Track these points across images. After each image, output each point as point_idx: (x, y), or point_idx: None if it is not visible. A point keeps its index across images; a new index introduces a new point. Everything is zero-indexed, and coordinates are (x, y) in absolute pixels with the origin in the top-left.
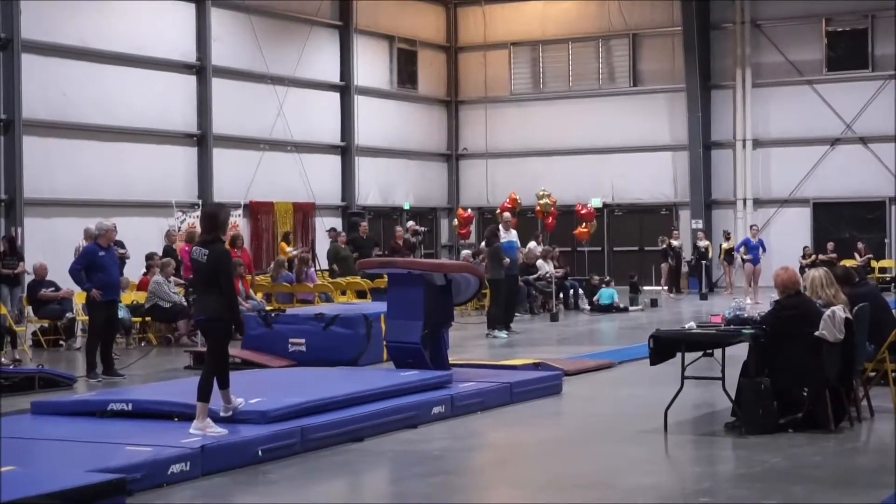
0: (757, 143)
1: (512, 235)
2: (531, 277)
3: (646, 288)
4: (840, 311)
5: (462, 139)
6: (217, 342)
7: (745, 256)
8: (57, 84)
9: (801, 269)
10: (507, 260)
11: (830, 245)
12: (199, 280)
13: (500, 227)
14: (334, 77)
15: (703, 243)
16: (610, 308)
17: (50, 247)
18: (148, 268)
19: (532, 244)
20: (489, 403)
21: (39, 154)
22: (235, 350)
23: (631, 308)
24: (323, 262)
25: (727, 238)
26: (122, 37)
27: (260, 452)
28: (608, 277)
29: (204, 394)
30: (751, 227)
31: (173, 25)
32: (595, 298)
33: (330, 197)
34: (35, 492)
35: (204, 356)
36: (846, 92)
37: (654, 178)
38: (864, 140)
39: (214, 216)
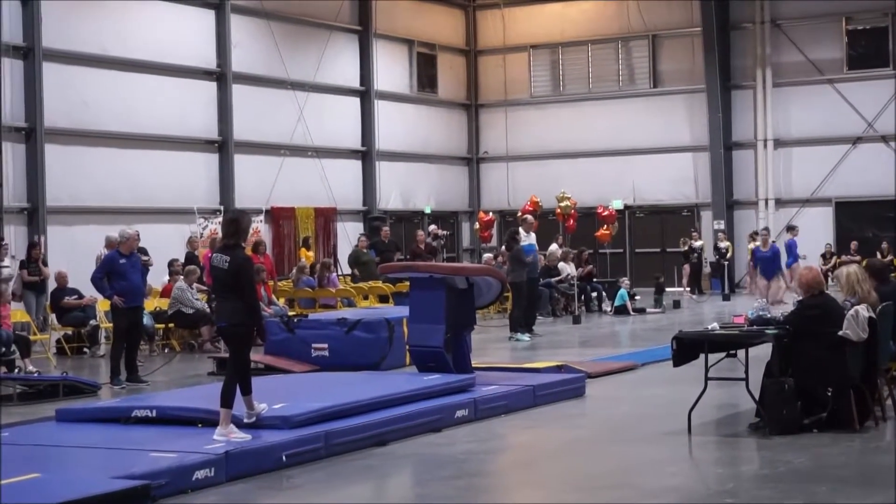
0: (778, 143)
1: (531, 238)
2: (553, 280)
3: (668, 289)
4: (863, 310)
5: (482, 142)
6: (239, 348)
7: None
8: (78, 92)
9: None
10: (529, 258)
11: (854, 244)
12: (221, 286)
13: (521, 229)
14: (354, 82)
15: (723, 244)
16: (624, 309)
17: (72, 254)
18: (171, 274)
19: (553, 246)
20: (512, 406)
21: (61, 162)
22: (258, 356)
23: (650, 310)
24: (345, 267)
25: (752, 238)
26: (143, 44)
27: (284, 458)
28: (622, 278)
29: (227, 400)
30: (757, 233)
31: (193, 32)
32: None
33: (351, 201)
34: (60, 499)
35: (227, 362)
36: (867, 90)
37: (675, 180)
38: (885, 138)
39: (237, 222)
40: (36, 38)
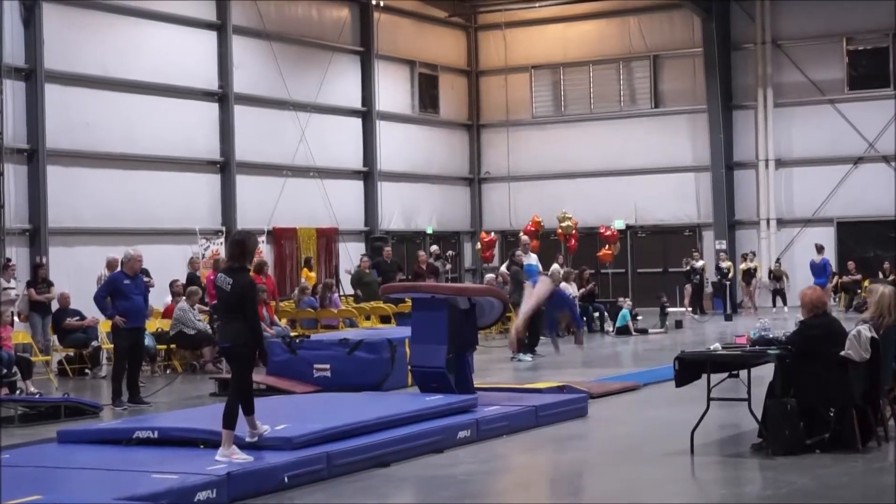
0: (779, 163)
1: (531, 258)
2: None
3: (670, 309)
4: (865, 330)
5: (484, 162)
6: (241, 369)
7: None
8: (80, 113)
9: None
10: (530, 283)
11: (851, 265)
12: (224, 307)
13: (519, 250)
14: (356, 102)
15: (725, 264)
16: (626, 329)
17: (74, 276)
18: (173, 295)
19: (555, 266)
20: (515, 427)
21: (63, 183)
22: (260, 376)
23: (652, 330)
24: (347, 287)
25: (745, 259)
26: (144, 65)
27: (286, 479)
28: (622, 299)
29: (229, 421)
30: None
31: (195, 53)
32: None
33: (353, 222)
34: None
35: (229, 383)
36: (868, 110)
37: (677, 199)
38: (886, 159)
39: (242, 244)
40: (38, 59)
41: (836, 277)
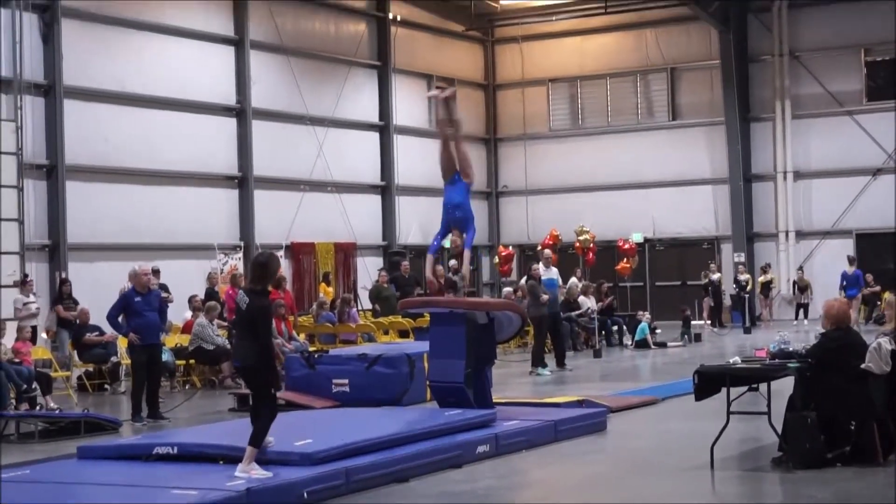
0: (798, 175)
1: (552, 273)
2: (573, 314)
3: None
4: (886, 343)
5: (502, 176)
6: (262, 389)
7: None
8: (98, 129)
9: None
10: (546, 297)
11: (870, 277)
12: (239, 324)
13: (541, 263)
14: (373, 117)
15: (743, 277)
16: (644, 343)
17: (94, 291)
18: (193, 310)
19: (573, 280)
20: (534, 442)
21: (82, 199)
22: (279, 392)
23: (671, 343)
24: (365, 302)
25: (763, 271)
26: (162, 81)
27: (305, 495)
28: (640, 312)
29: (256, 440)
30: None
31: (213, 68)
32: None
33: (371, 237)
34: None
35: (249, 399)
36: (887, 121)
37: (695, 212)
38: None
39: (265, 266)
40: (57, 75)
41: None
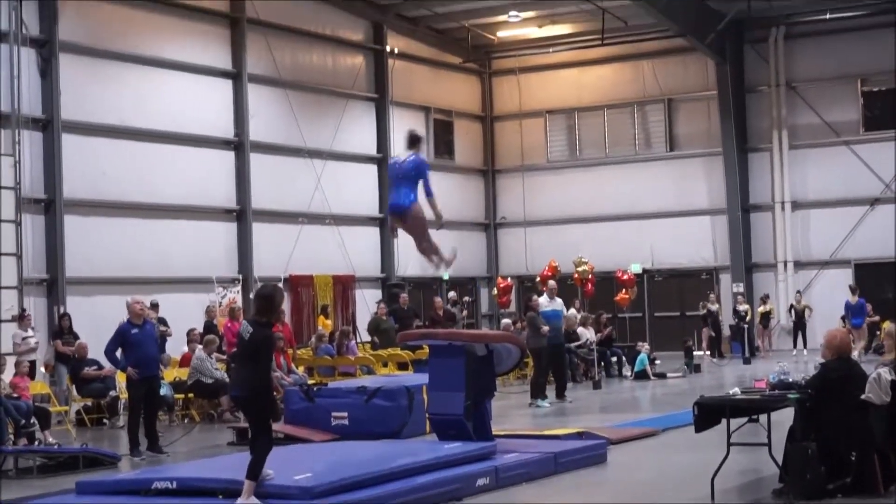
0: (796, 205)
1: (556, 304)
2: (572, 345)
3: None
4: (886, 373)
5: (500, 208)
6: (259, 420)
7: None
8: (97, 163)
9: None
10: (546, 328)
11: (869, 307)
12: (240, 355)
13: (545, 295)
14: (371, 149)
15: (742, 307)
16: (644, 374)
17: (93, 325)
18: (189, 343)
19: (572, 311)
20: (534, 474)
21: (80, 233)
22: (278, 425)
23: (671, 374)
24: (364, 335)
25: (763, 302)
26: (161, 114)
27: None
28: (640, 343)
29: (254, 473)
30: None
31: (211, 102)
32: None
33: (369, 269)
34: None
35: (248, 432)
36: (884, 151)
37: (694, 243)
38: None
39: (270, 299)
40: (55, 110)
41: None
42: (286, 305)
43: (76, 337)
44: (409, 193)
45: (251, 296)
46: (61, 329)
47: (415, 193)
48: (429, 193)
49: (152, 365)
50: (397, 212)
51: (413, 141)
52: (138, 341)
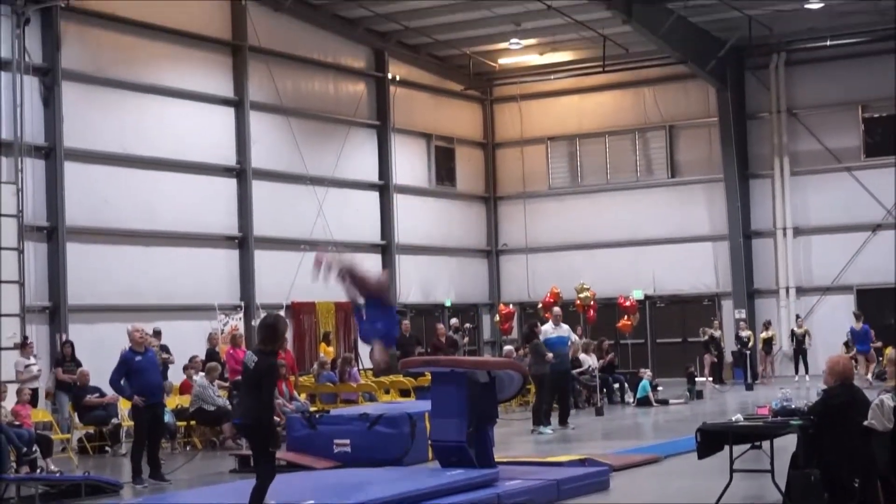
0: (797, 231)
1: (562, 330)
2: (574, 372)
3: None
4: (888, 399)
5: (502, 234)
6: (262, 449)
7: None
8: (99, 190)
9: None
10: (550, 355)
11: (872, 332)
12: (245, 384)
13: (550, 322)
14: (373, 176)
15: (745, 333)
16: (646, 400)
17: (95, 353)
18: (185, 369)
19: (574, 337)
20: (536, 501)
21: (83, 260)
22: (281, 452)
23: (673, 401)
24: (366, 361)
25: (766, 328)
26: (163, 142)
27: None
28: (642, 370)
29: (257, 501)
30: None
31: (213, 129)
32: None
33: None
34: None
35: (250, 460)
36: (885, 177)
37: (696, 269)
38: None
39: (274, 328)
40: (58, 137)
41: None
42: (287, 332)
43: (78, 364)
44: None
45: (253, 323)
46: (63, 357)
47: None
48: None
49: (157, 392)
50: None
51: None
52: (142, 368)
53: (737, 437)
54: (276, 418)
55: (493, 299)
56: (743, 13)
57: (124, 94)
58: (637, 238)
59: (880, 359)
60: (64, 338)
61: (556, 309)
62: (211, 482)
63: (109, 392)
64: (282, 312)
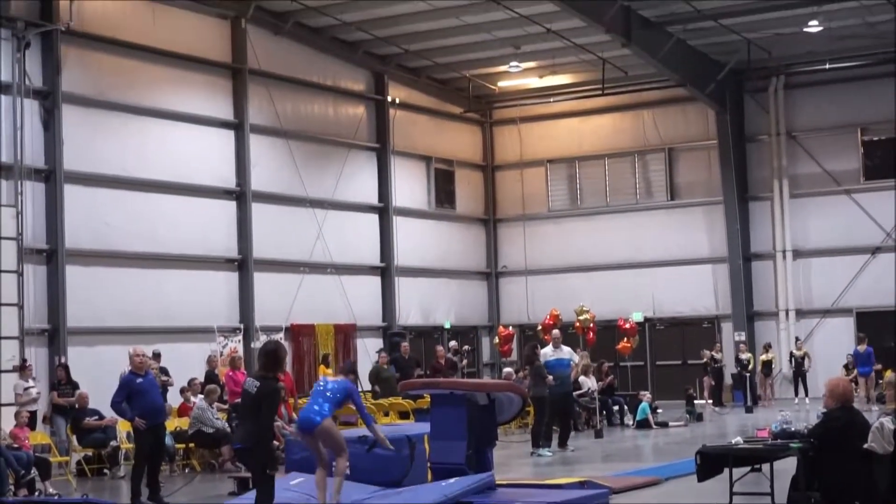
0: (797, 254)
1: (563, 353)
2: (574, 394)
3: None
4: (888, 422)
5: (501, 257)
6: (261, 472)
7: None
8: (99, 213)
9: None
10: (550, 378)
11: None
12: (245, 409)
13: (550, 345)
14: (373, 198)
15: (745, 356)
16: (646, 423)
17: (95, 375)
18: (181, 392)
19: (576, 358)
20: None
21: (83, 282)
22: (277, 474)
23: (673, 423)
24: (365, 383)
25: (766, 350)
26: (163, 164)
27: None
28: (642, 392)
29: None
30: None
31: (213, 152)
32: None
33: (371, 317)
34: None
35: (249, 482)
36: (884, 200)
37: (695, 291)
38: None
39: (274, 354)
40: (58, 160)
41: (855, 371)
42: (287, 355)
43: (75, 387)
44: (322, 408)
45: (253, 345)
46: (59, 380)
47: (328, 410)
48: (367, 421)
49: (158, 414)
50: (305, 426)
51: (348, 370)
52: (143, 390)
53: (737, 459)
54: (276, 441)
55: (493, 321)
56: (742, 36)
57: (124, 116)
58: (637, 260)
59: (880, 381)
60: (62, 360)
61: (556, 332)
62: None
63: (108, 414)
64: (281, 335)
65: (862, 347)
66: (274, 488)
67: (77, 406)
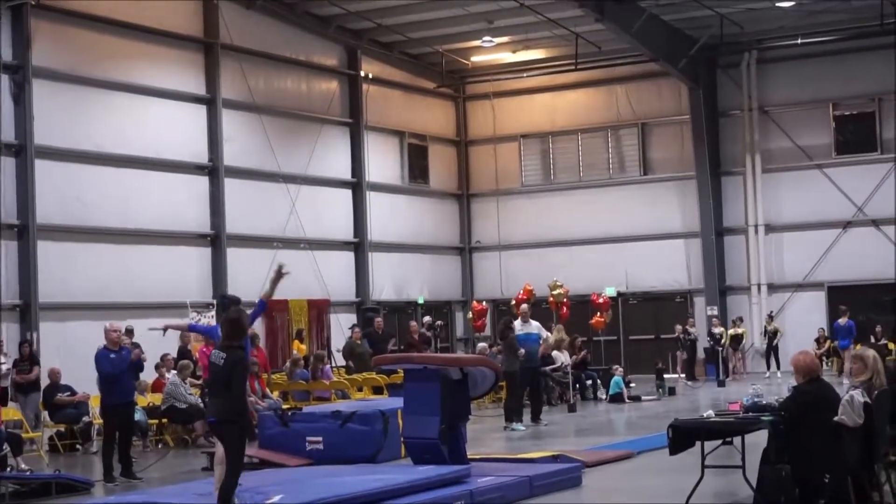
0: (769, 229)
1: (531, 327)
2: (547, 368)
3: (665, 376)
4: (858, 395)
5: (475, 232)
6: (232, 445)
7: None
8: (71, 188)
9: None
10: (522, 351)
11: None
12: (215, 382)
13: (519, 319)
14: (346, 174)
15: (717, 330)
16: (619, 397)
17: (66, 351)
18: (156, 367)
19: (546, 334)
20: (509, 498)
21: (54, 258)
22: (253, 450)
23: (645, 397)
24: (338, 359)
25: (735, 324)
26: (135, 140)
27: None
28: (615, 366)
29: (224, 500)
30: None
31: (185, 127)
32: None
33: (344, 293)
34: None
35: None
36: (856, 175)
37: (668, 266)
38: (875, 222)
39: (237, 322)
40: (28, 135)
41: (828, 342)
42: (260, 330)
43: (35, 363)
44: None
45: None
46: (21, 356)
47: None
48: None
49: (128, 391)
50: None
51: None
52: (114, 366)
53: (708, 433)
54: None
55: (467, 296)
56: (714, 11)
57: (96, 91)
58: (610, 235)
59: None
60: (29, 336)
61: (524, 306)
62: (183, 480)
63: (80, 390)
64: (243, 308)
65: (843, 321)
66: (242, 464)
67: (50, 381)
